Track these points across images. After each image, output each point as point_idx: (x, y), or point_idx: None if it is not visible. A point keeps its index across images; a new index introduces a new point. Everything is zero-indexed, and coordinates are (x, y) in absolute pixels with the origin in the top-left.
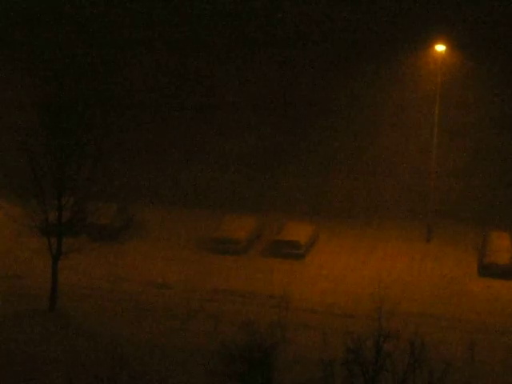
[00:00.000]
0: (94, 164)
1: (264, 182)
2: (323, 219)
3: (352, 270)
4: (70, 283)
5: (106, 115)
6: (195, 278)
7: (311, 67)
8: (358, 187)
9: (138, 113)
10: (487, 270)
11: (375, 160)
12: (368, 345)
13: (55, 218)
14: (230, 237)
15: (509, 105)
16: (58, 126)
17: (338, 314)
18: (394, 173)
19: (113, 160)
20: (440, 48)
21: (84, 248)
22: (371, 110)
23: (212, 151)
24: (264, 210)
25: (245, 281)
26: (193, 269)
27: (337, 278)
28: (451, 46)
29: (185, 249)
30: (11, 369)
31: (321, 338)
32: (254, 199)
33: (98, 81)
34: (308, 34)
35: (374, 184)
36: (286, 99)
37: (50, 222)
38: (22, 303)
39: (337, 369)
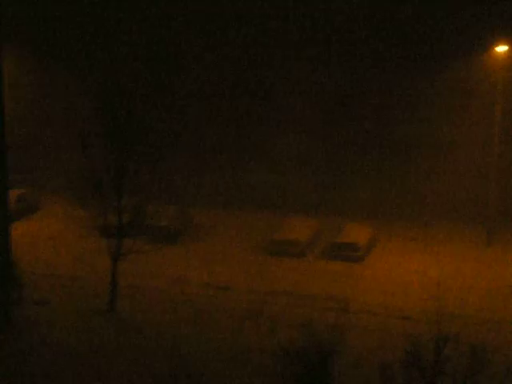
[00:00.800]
0: (154, 166)
1: (323, 183)
2: (382, 221)
3: (411, 273)
4: (130, 284)
5: (166, 118)
6: (254, 280)
7: (372, 67)
8: (418, 189)
9: (198, 115)
10: None
11: (435, 162)
12: (427, 348)
13: (115, 220)
14: (289, 239)
15: None
16: (117, 129)
17: (397, 316)
18: (455, 175)
19: (173, 162)
20: (501, 49)
21: (143, 249)
22: (432, 111)
23: (272, 153)
24: (323, 212)
25: (303, 283)
26: (252, 270)
27: (396, 281)
28: None
29: (244, 250)
30: (72, 369)
31: (380, 341)
32: (314, 201)
33: (158, 85)
34: (372, 33)
35: (435, 186)
36: (346, 99)
37: (109, 224)
38: (83, 303)
39: (396, 372)
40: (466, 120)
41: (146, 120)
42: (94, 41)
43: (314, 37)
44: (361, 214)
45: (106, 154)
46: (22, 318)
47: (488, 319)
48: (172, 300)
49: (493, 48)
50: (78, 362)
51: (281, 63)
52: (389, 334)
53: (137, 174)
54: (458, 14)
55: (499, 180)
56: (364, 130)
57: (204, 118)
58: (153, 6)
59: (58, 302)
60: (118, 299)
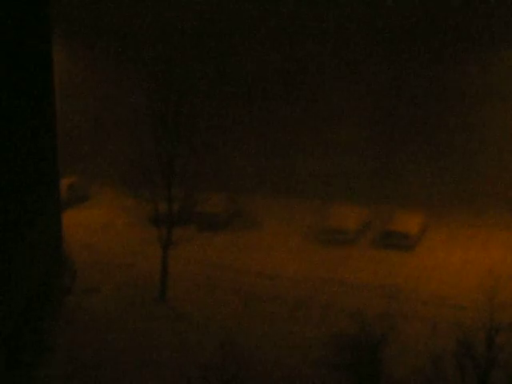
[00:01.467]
0: (204, 154)
1: (374, 171)
2: (433, 208)
3: (463, 261)
4: (180, 272)
5: (214, 106)
6: (304, 268)
7: (424, 55)
8: (470, 174)
9: (247, 103)
10: None
11: (490, 150)
12: (479, 337)
13: (165, 209)
14: (339, 227)
15: None
16: (167, 117)
17: (449, 305)
18: (509, 162)
19: (222, 150)
20: None
21: (193, 238)
22: (486, 100)
23: (322, 140)
24: (374, 199)
25: (354, 271)
26: (301, 258)
27: (447, 269)
28: None
29: (293, 238)
30: (123, 358)
31: (430, 330)
32: (364, 188)
33: (207, 72)
34: (423, 21)
35: (487, 174)
36: (395, 86)
37: (160, 213)
38: (133, 292)
39: (447, 361)
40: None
41: (198, 108)
42: (144, 31)
43: (365, 25)
44: (412, 202)
45: (156, 143)
46: (74, 306)
47: None
48: (222, 288)
49: None
50: (129, 351)
51: (332, 50)
52: (440, 323)
53: (187, 162)
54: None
55: None
56: (416, 117)
57: (255, 105)
58: None
59: (109, 291)
60: (168, 287)
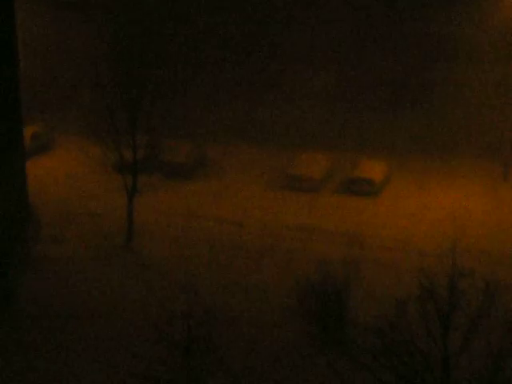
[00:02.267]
0: (168, 102)
1: (339, 119)
2: (398, 156)
3: (426, 208)
4: (146, 220)
5: (180, 52)
6: (269, 215)
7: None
8: (433, 123)
9: (214, 51)
10: None
11: (451, 96)
12: (442, 282)
13: (130, 157)
14: (304, 174)
15: None
16: (132, 60)
17: (412, 251)
18: (470, 109)
19: (187, 98)
20: None
21: (158, 186)
22: (450, 46)
23: (287, 88)
24: (338, 147)
25: (318, 218)
26: (266, 206)
27: (410, 216)
28: None
29: (258, 186)
30: (90, 304)
31: (394, 276)
32: (329, 136)
33: (174, 18)
34: None
35: (450, 120)
36: (362, 34)
37: (125, 161)
38: (99, 240)
39: (410, 306)
40: (483, 56)
41: (161, 56)
42: None
43: None
44: (376, 150)
45: (120, 91)
46: (40, 255)
47: (504, 254)
48: (187, 236)
49: None
50: (96, 299)
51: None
52: (403, 269)
53: (152, 109)
54: None
55: None
56: (382, 65)
57: (220, 52)
58: None
59: (75, 239)
60: (134, 235)
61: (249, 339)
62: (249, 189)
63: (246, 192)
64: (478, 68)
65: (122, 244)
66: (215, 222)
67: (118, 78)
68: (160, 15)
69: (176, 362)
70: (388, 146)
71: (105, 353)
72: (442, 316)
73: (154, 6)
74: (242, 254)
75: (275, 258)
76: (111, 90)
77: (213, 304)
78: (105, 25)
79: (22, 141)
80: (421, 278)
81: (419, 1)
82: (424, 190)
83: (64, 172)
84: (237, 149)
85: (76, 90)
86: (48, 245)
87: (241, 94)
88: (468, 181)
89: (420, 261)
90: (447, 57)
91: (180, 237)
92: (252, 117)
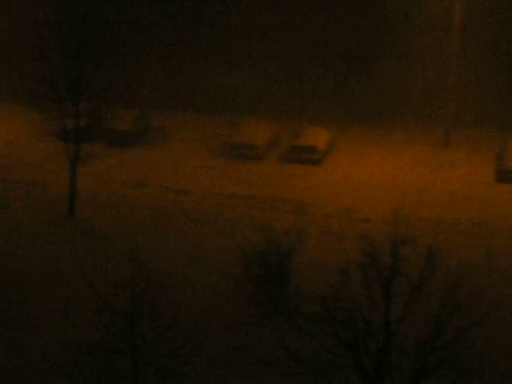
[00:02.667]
0: (112, 70)
1: (283, 87)
2: (341, 124)
3: (369, 175)
4: (89, 189)
5: (125, 18)
6: (213, 184)
7: None
8: (376, 91)
9: (156, 17)
10: (505, 176)
11: (395, 64)
12: (384, 249)
13: (73, 124)
14: (248, 142)
15: None
16: (74, 25)
17: (355, 218)
18: (413, 77)
19: (131, 66)
20: None
21: (102, 154)
22: (392, 13)
23: (231, 54)
24: (282, 115)
25: (262, 186)
26: (210, 174)
27: (354, 183)
28: None
29: (203, 154)
30: (33, 272)
31: (337, 243)
32: (273, 104)
33: None
34: None
35: (393, 88)
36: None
37: (67, 128)
38: (42, 209)
39: (353, 273)
40: (427, 24)
41: (103, 23)
42: None
43: None
44: (320, 118)
45: (63, 58)
46: None
47: (444, 221)
48: (131, 204)
49: None
50: (38, 267)
51: None
52: (346, 237)
53: (95, 76)
54: None
55: (457, 82)
56: (327, 32)
57: (163, 19)
58: None
59: (17, 208)
60: (77, 204)
61: (193, 307)
62: (193, 157)
63: (190, 160)
64: (419, 38)
65: (65, 212)
66: (159, 190)
67: (59, 43)
68: None
69: (120, 330)
70: (332, 114)
71: (48, 321)
72: (384, 282)
73: None
74: (187, 221)
75: (220, 225)
76: (53, 56)
77: (157, 272)
78: None
79: None
80: (363, 245)
81: None
82: (367, 158)
83: (5, 139)
84: (181, 116)
85: (17, 56)
86: None
87: (186, 61)
88: (410, 148)
89: (363, 228)
90: (389, 27)
91: (124, 205)
92: (197, 84)
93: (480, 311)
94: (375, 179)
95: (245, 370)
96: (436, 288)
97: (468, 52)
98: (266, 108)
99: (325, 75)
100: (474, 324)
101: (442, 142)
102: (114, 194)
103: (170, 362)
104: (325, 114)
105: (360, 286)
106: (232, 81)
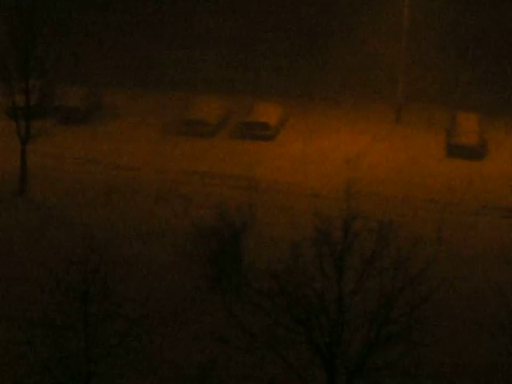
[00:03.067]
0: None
1: (234, 62)
2: (292, 100)
3: (321, 151)
4: (40, 166)
5: None
6: (165, 160)
7: None
8: (329, 68)
9: None
10: (455, 151)
11: (346, 41)
12: (336, 225)
13: (22, 101)
14: (199, 119)
15: None
16: (22, 2)
17: (307, 194)
18: (364, 53)
19: (82, 42)
20: None
21: (52, 131)
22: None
23: (183, 31)
24: (233, 91)
25: (214, 163)
26: (162, 151)
27: (306, 159)
28: None
29: (154, 131)
30: None
31: (290, 219)
32: (223, 80)
33: None
34: None
35: (345, 65)
36: None
37: (17, 105)
38: None
39: (305, 249)
40: (377, 3)
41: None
42: None
43: None
44: (272, 94)
45: (11, 35)
46: None
47: (395, 196)
48: (83, 182)
49: None
50: None
51: None
52: (299, 212)
53: (45, 52)
54: None
55: (408, 57)
56: (279, 9)
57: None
58: None
59: None
60: (28, 182)
61: (147, 283)
62: (145, 134)
63: (142, 137)
64: (371, 14)
65: (16, 190)
66: (111, 167)
67: (8, 19)
68: None
69: (73, 309)
70: (284, 91)
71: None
72: (336, 258)
73: None
74: (139, 198)
75: (172, 202)
76: (1, 33)
77: (110, 249)
78: None
79: None
80: (316, 220)
81: None
82: (319, 134)
83: None
84: (133, 93)
85: None
86: None
87: (138, 38)
88: (362, 124)
89: (315, 204)
90: (340, 4)
91: (75, 182)
92: (149, 61)
93: (431, 285)
94: (327, 155)
95: (198, 345)
96: (387, 263)
97: (419, 29)
98: (218, 84)
99: (278, 51)
100: (425, 298)
101: (393, 118)
102: (66, 171)
103: (123, 339)
104: (277, 91)
105: (312, 261)
106: (184, 57)
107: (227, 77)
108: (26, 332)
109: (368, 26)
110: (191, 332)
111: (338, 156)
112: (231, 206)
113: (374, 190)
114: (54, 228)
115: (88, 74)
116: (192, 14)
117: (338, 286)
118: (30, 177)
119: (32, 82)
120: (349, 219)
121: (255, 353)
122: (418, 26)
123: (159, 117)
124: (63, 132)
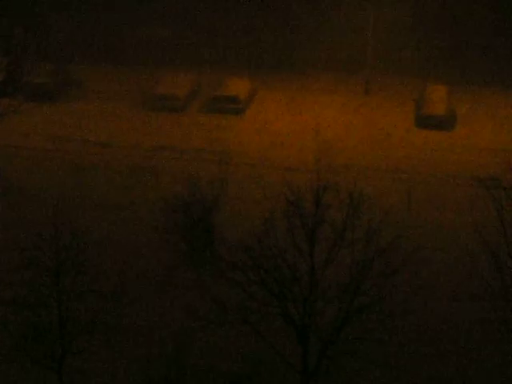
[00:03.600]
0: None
1: (201, 37)
2: (262, 73)
3: (291, 124)
4: (10, 144)
5: None
6: (135, 136)
7: None
8: (297, 40)
9: None
10: (424, 122)
11: (313, 13)
12: (307, 197)
13: None
14: (169, 94)
15: None
16: None
17: (278, 167)
18: (333, 25)
19: (49, 18)
20: None
21: (21, 108)
22: None
23: (151, 7)
24: (203, 66)
25: (185, 137)
26: (132, 126)
27: (276, 132)
28: None
29: (124, 106)
30: None
31: (261, 192)
32: (192, 55)
33: None
34: None
35: (313, 37)
36: None
37: None
38: None
39: (277, 221)
40: None
41: None
42: None
43: None
44: (241, 68)
45: None
46: None
47: (367, 166)
48: (53, 158)
49: None
50: None
51: None
52: (270, 185)
53: (12, 28)
54: None
55: (376, 30)
56: None
57: None
58: None
59: None
60: None
61: (119, 259)
62: (115, 110)
63: (111, 113)
64: None
65: None
66: (81, 144)
67: None
68: None
69: (45, 286)
70: (253, 64)
71: None
72: (308, 230)
73: None
74: (109, 174)
75: (143, 177)
76: None
77: (81, 225)
78: None
79: None
80: (287, 193)
81: None
82: (289, 107)
83: None
84: (102, 69)
85: None
86: None
87: (106, 14)
88: (332, 96)
89: (286, 177)
90: None
91: (45, 159)
92: (118, 37)
93: (402, 255)
94: (297, 128)
95: (171, 320)
96: (359, 234)
97: (388, 2)
98: (188, 59)
99: (247, 25)
100: (396, 268)
101: (362, 89)
102: (36, 148)
103: (97, 315)
104: (246, 64)
105: (284, 233)
106: (153, 32)
107: (196, 52)
108: None
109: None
110: (165, 306)
111: (307, 128)
112: (202, 181)
113: (345, 162)
114: (25, 205)
115: (56, 51)
116: None
117: (310, 258)
118: (0, 154)
119: None
120: (320, 191)
121: (229, 326)
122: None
123: (129, 92)
124: (32, 109)
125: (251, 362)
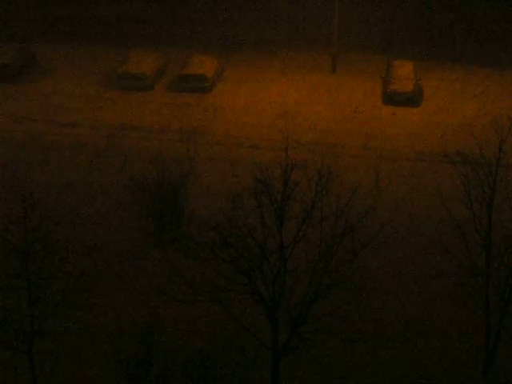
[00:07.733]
0: None
1: (167, 15)
2: (228, 51)
3: (259, 102)
4: None
5: None
6: (101, 115)
7: None
8: (263, 17)
9: None
10: (391, 98)
11: None
12: (276, 175)
13: None
14: (135, 72)
15: None
16: None
17: (246, 145)
18: (299, 2)
19: None
20: None
21: None
22: None
23: None
24: (169, 44)
25: (152, 116)
26: (99, 106)
27: (244, 110)
28: None
29: (90, 86)
30: None
31: (229, 171)
32: (159, 33)
33: None
34: None
35: (280, 15)
36: None
37: None
38: None
39: (246, 199)
40: None
41: None
42: None
43: None
44: (207, 46)
45: None
46: None
47: (334, 144)
48: (18, 139)
49: None
50: None
51: None
52: (238, 164)
53: None
54: None
55: (342, 5)
56: None
57: None
58: None
59: None
60: None
61: (88, 239)
62: (81, 89)
63: (77, 92)
64: None
65: None
66: (47, 124)
67: None
68: None
69: (14, 268)
70: (220, 42)
71: None
72: (276, 208)
73: None
74: (76, 154)
75: (110, 157)
76: None
77: (49, 206)
78: None
79: None
80: (255, 171)
81: None
82: (256, 85)
83: None
84: (67, 48)
85: None
86: None
87: None
88: (299, 74)
89: (254, 154)
90: None
91: (11, 141)
92: (84, 15)
93: (371, 232)
94: (264, 106)
95: (141, 299)
96: (327, 211)
97: None
98: (153, 37)
99: (213, 4)
100: (365, 245)
101: (329, 67)
102: (0, 129)
103: (67, 296)
104: (212, 42)
105: (253, 211)
106: (121, 10)
107: (162, 30)
108: None
109: None
110: (134, 287)
111: (275, 106)
112: (170, 159)
113: (312, 140)
114: None
115: (20, 30)
116: None
117: (279, 236)
118: None
119: None
120: (288, 169)
121: (198, 305)
122: None
123: (95, 72)
124: None
125: (222, 340)
